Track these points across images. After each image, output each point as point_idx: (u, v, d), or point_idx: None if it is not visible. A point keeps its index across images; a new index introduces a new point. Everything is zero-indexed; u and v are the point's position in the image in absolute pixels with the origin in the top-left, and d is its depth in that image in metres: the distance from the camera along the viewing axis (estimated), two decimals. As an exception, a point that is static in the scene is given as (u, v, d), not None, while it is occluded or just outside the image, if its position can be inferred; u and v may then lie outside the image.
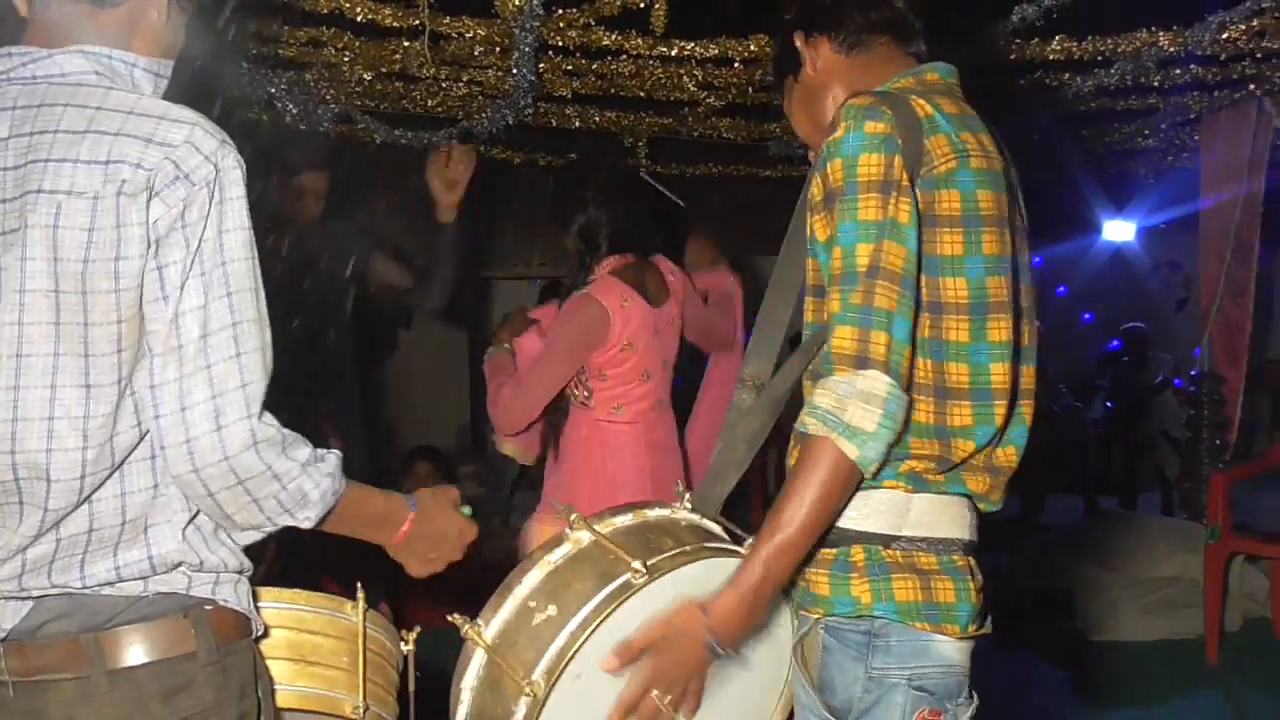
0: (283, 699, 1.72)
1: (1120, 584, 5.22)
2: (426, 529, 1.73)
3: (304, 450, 1.50)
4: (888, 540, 1.66)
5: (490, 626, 1.65)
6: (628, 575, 1.59)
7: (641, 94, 4.78)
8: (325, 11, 3.62)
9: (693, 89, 4.71)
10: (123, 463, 1.44)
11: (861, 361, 1.53)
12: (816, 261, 1.68)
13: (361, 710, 1.79)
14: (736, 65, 4.39)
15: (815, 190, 1.65)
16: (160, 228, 1.38)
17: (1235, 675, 4.75)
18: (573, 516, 1.70)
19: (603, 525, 1.71)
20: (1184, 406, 6.09)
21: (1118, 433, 8.53)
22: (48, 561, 1.43)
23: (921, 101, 1.65)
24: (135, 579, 1.46)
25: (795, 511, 1.53)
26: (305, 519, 1.52)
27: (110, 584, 1.44)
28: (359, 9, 3.56)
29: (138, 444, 1.45)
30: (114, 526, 1.44)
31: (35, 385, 1.39)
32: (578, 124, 5.33)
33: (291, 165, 3.49)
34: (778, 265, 1.84)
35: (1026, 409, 1.73)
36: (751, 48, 4.14)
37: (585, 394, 3.10)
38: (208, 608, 1.50)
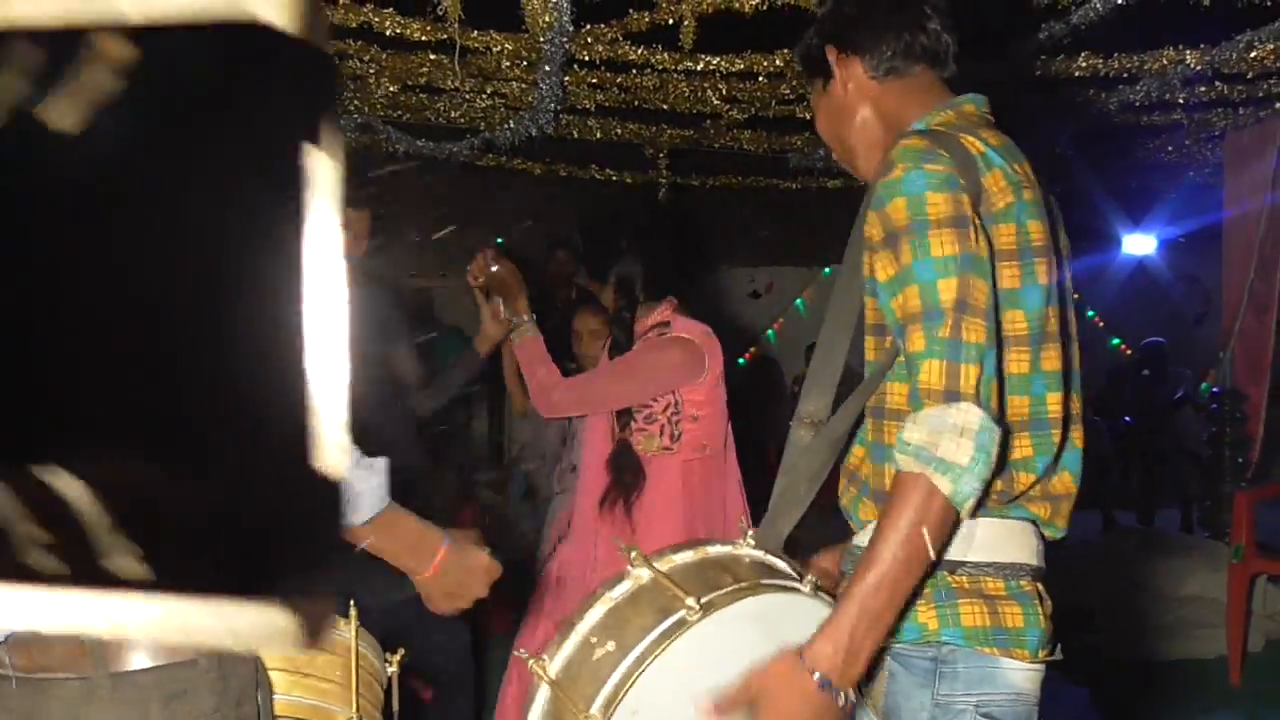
0: (278, 708, 1.77)
1: (1141, 602, 5.20)
2: (459, 562, 1.75)
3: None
4: (953, 566, 1.64)
5: (554, 661, 1.68)
6: (683, 612, 1.60)
7: (665, 106, 4.79)
8: (354, 26, 3.62)
9: (716, 102, 4.72)
10: None
11: (952, 396, 1.49)
12: (875, 301, 1.67)
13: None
14: (761, 79, 4.40)
15: (873, 230, 1.61)
16: None
17: (1258, 698, 4.71)
18: (633, 554, 1.71)
19: (663, 563, 1.72)
20: (1205, 423, 6.07)
21: (1136, 448, 8.50)
22: None
23: (971, 139, 1.63)
24: None
25: (887, 549, 1.49)
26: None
27: None
28: (388, 23, 3.56)
29: None
30: None
31: None
32: (599, 136, 5.34)
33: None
34: (831, 303, 1.82)
35: (1077, 435, 1.72)
36: (777, 62, 4.14)
37: (670, 439, 3.04)
38: None
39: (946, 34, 1.78)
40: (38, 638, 1.46)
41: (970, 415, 1.48)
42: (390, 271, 3.92)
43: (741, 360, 9.10)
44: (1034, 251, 1.61)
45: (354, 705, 1.88)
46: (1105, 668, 4.95)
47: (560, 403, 3.08)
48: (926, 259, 1.54)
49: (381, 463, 1.60)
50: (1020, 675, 1.64)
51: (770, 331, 10.15)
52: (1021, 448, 1.63)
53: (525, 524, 4.75)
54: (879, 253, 1.60)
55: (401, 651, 1.98)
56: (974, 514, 1.61)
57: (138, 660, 1.47)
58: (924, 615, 1.64)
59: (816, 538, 1.96)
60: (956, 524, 1.55)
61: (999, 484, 1.62)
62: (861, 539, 1.77)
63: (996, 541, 1.66)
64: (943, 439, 1.47)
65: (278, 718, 1.75)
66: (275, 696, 1.75)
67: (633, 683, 1.57)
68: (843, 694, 1.50)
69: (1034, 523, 1.70)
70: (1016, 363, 1.62)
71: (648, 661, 1.58)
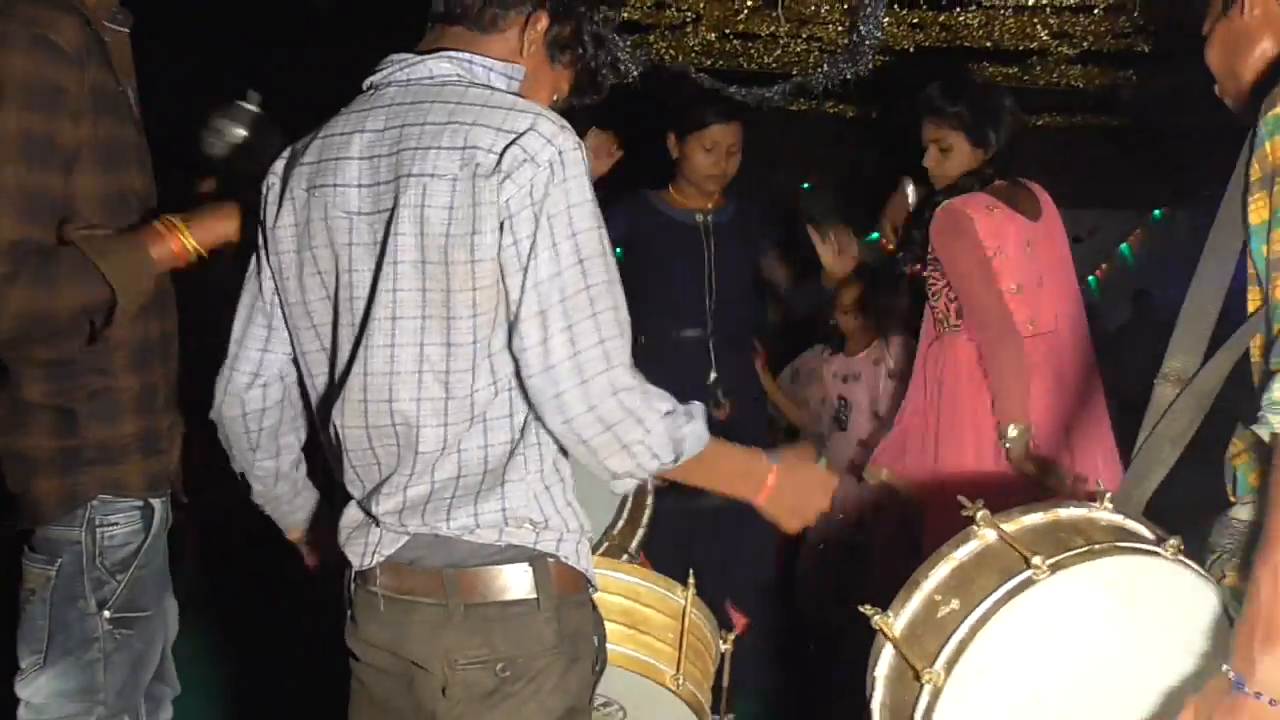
0: (612, 658, 1.82)
1: None
2: (792, 480, 1.78)
3: (666, 402, 1.59)
4: None
5: (899, 619, 1.67)
6: (1030, 572, 1.56)
7: (989, 44, 4.59)
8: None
9: (1045, 38, 4.48)
10: (484, 418, 1.60)
11: None
12: (1250, 247, 1.54)
13: (680, 680, 1.92)
14: (1096, 13, 4.13)
15: (1256, 167, 1.49)
16: (512, 206, 1.52)
17: None
18: (979, 515, 1.67)
19: (1010, 524, 1.67)
20: None
21: None
22: (423, 502, 1.60)
23: None
24: (490, 527, 1.60)
25: None
26: (674, 459, 1.60)
27: (470, 530, 1.60)
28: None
29: (494, 400, 1.59)
30: (477, 475, 1.60)
31: (407, 344, 1.57)
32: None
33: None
34: (1205, 253, 1.68)
35: None
36: (1119, -8, 3.87)
37: (955, 313, 3.04)
38: (550, 561, 1.63)
39: None
40: (405, 566, 1.63)
41: None
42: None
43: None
44: None
45: (678, 664, 1.93)
46: None
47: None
48: None
49: (698, 406, 1.64)
50: None
51: (1092, 278, 9.62)
52: None
53: None
54: (1256, 194, 1.49)
55: (735, 632, 2.05)
56: None
57: (485, 594, 1.61)
58: None
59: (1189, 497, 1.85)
60: None
61: None
62: (1240, 511, 1.64)
63: None
64: None
65: (610, 665, 1.82)
66: (611, 647, 1.81)
67: (976, 640, 1.54)
68: None
69: None
70: None
71: (992, 619, 1.54)
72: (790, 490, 1.77)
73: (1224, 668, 1.37)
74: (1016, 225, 3.05)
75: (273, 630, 3.82)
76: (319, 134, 1.68)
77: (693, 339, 3.51)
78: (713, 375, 3.50)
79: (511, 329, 1.55)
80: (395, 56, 1.67)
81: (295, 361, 1.76)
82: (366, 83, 1.69)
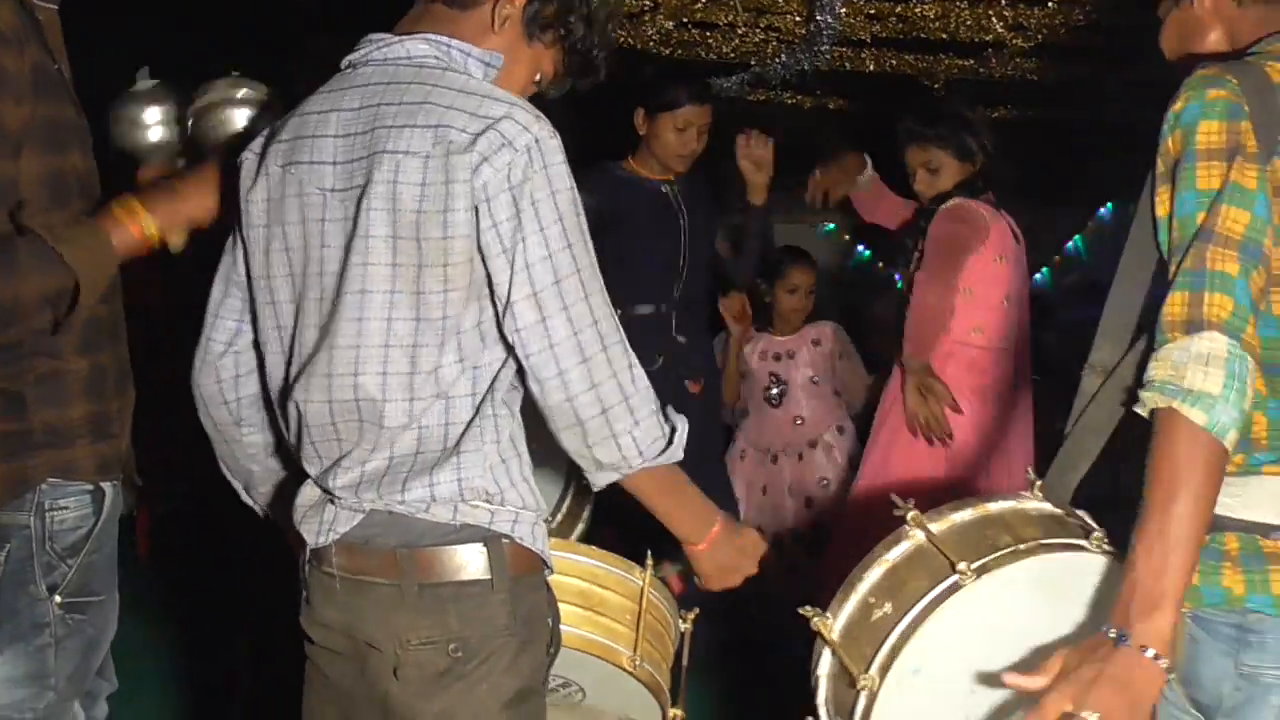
0: (567, 638, 1.83)
1: None
2: (731, 538, 1.80)
3: (654, 402, 1.63)
4: (1267, 530, 1.53)
5: (837, 621, 1.70)
6: (956, 576, 1.60)
7: (944, 36, 4.63)
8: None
9: (1000, 30, 4.53)
10: (447, 395, 1.61)
11: (1194, 325, 1.42)
12: (1158, 239, 1.58)
13: (637, 661, 1.92)
14: (1051, 4, 4.19)
15: (1159, 164, 1.56)
16: (489, 189, 1.54)
17: None
18: (910, 515, 1.70)
19: (939, 524, 1.70)
20: None
21: None
22: (380, 476, 1.62)
23: (1277, 65, 1.52)
24: (446, 502, 1.61)
25: (1164, 501, 1.41)
26: (653, 463, 1.63)
27: (425, 506, 1.61)
28: (666, -41, 3.56)
29: (459, 378, 1.61)
30: (436, 451, 1.61)
31: (375, 317, 1.59)
32: (873, 67, 5.22)
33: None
34: (1127, 247, 1.73)
35: None
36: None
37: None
38: (505, 541, 1.63)
39: None
40: (359, 545, 1.64)
41: (1216, 342, 1.40)
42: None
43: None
44: None
45: (635, 646, 1.93)
46: None
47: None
48: (1191, 192, 1.49)
49: (683, 420, 1.67)
50: None
51: (1046, 270, 9.73)
52: None
53: None
54: (1160, 188, 1.55)
55: (697, 610, 2.05)
56: None
57: (439, 574, 1.62)
58: (1229, 579, 1.54)
59: (1107, 488, 1.86)
60: (1225, 456, 1.43)
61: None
62: None
63: None
64: (1188, 369, 1.40)
65: (565, 647, 1.83)
66: (566, 628, 1.82)
67: (909, 644, 1.58)
68: (1170, 665, 1.40)
69: None
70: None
71: (922, 624, 1.59)
72: (728, 547, 1.80)
73: (1104, 628, 1.42)
74: (1010, 240, 3.19)
75: (222, 622, 3.78)
76: (296, 112, 1.70)
77: (653, 314, 3.52)
78: (681, 340, 3.53)
79: (503, 311, 1.57)
80: (373, 36, 1.68)
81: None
82: (344, 62, 1.70)
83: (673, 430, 1.65)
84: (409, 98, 1.59)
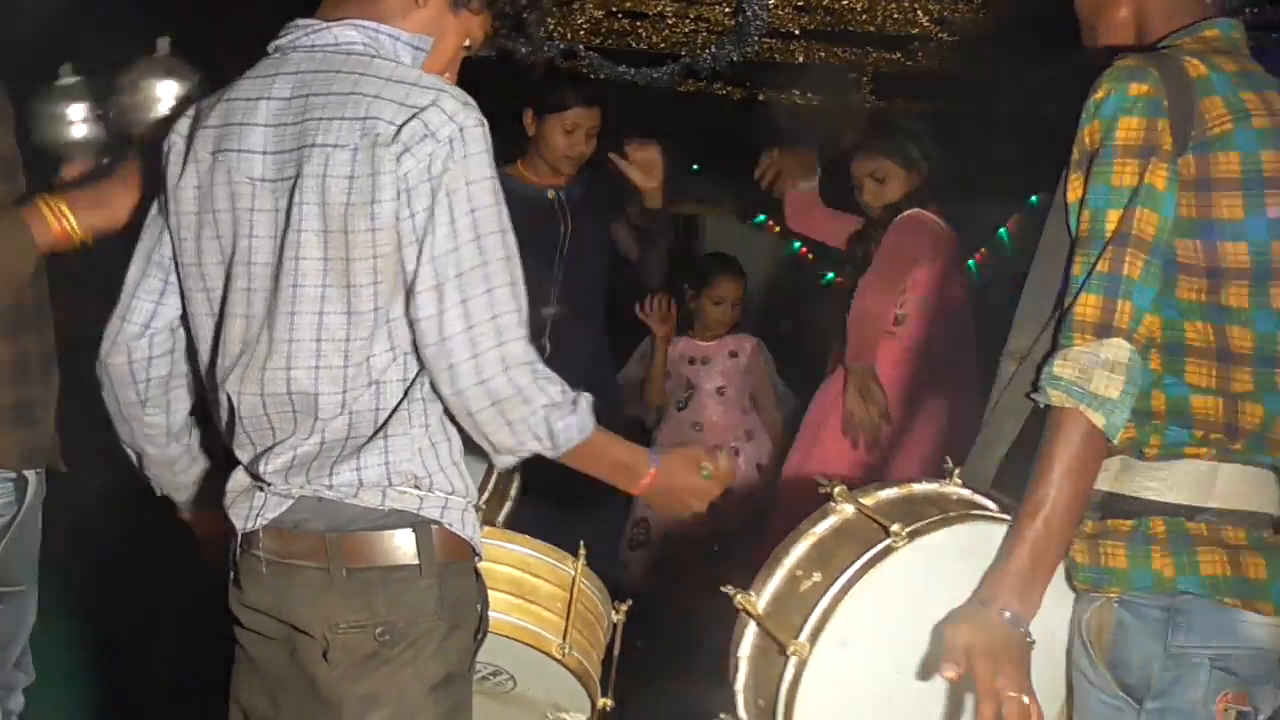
0: (497, 626, 1.84)
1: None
2: (666, 484, 1.82)
3: (556, 387, 1.63)
4: (1192, 512, 1.59)
5: (761, 597, 1.70)
6: (889, 540, 1.62)
7: (871, 29, 4.67)
8: (562, -50, 3.62)
9: (926, 23, 4.58)
10: (379, 381, 1.62)
11: (1104, 330, 1.51)
12: (1069, 225, 1.63)
13: (566, 650, 1.93)
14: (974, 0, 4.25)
15: (1074, 151, 1.60)
16: (411, 179, 1.55)
17: None
18: (837, 490, 1.72)
19: (868, 499, 1.73)
20: None
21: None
22: (310, 460, 1.62)
23: (1195, 61, 1.56)
24: (374, 486, 1.62)
25: (1050, 488, 1.52)
26: (553, 448, 1.64)
27: (354, 490, 1.62)
28: (596, -53, 3.55)
29: (391, 365, 1.62)
30: (366, 435, 1.62)
31: (307, 311, 1.59)
32: (802, 59, 5.25)
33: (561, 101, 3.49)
34: (1043, 236, 1.76)
35: None
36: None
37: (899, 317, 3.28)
38: (433, 527, 1.64)
39: None
40: (289, 530, 1.64)
41: (1121, 350, 1.50)
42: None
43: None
44: (1265, 181, 1.54)
45: (565, 634, 1.94)
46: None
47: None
48: (1105, 186, 1.54)
49: (584, 398, 1.67)
50: (1262, 630, 1.58)
51: (971, 262, 9.83)
52: (1242, 381, 1.57)
53: None
54: (1074, 174, 1.60)
55: (630, 601, 2.08)
56: (1215, 460, 1.58)
57: (367, 559, 1.63)
58: (1159, 562, 1.58)
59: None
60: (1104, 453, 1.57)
61: (1223, 415, 1.58)
62: None
63: (1238, 489, 1.60)
64: (1095, 374, 1.50)
65: (495, 635, 1.84)
66: (496, 615, 1.84)
67: (839, 610, 1.60)
68: (1027, 629, 1.51)
69: (1276, 471, 1.62)
70: (1235, 295, 1.56)
71: (853, 588, 1.60)
72: (669, 484, 1.82)
73: (978, 596, 1.55)
74: (955, 247, 3.27)
75: (142, 614, 3.72)
76: (224, 96, 1.68)
77: (549, 319, 3.43)
78: (547, 345, 3.37)
79: (409, 300, 1.57)
80: (301, 22, 1.67)
81: (184, 321, 1.75)
82: (271, 46, 1.69)
83: (569, 416, 1.63)
84: (337, 88, 1.59)
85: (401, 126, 1.54)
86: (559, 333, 3.45)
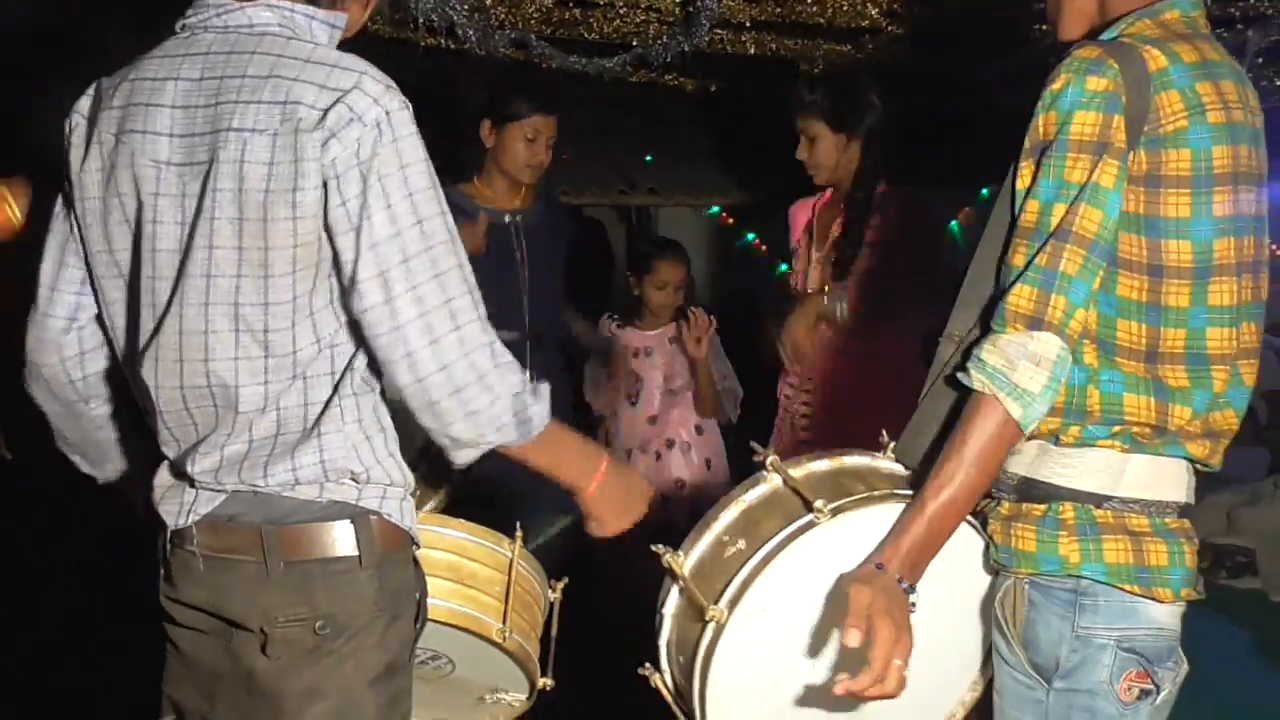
0: (436, 612, 1.85)
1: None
2: (619, 479, 1.81)
3: (516, 376, 1.60)
4: (1100, 500, 1.63)
5: (689, 558, 1.74)
6: (812, 515, 1.66)
7: (822, 21, 4.68)
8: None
9: (875, 15, 4.59)
10: (304, 375, 1.58)
11: (1036, 323, 1.53)
12: (1014, 212, 1.65)
13: (506, 633, 1.94)
14: (925, -8, 4.26)
15: (1027, 139, 1.61)
16: (339, 166, 1.50)
17: None
18: (770, 459, 1.75)
19: (797, 470, 1.76)
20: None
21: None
22: (240, 460, 1.59)
23: (1155, 52, 1.57)
24: (311, 483, 1.60)
25: (958, 467, 1.56)
26: (514, 437, 1.62)
27: (289, 486, 1.59)
28: (543, -65, 3.53)
29: (316, 358, 1.58)
30: (296, 432, 1.59)
31: (221, 302, 1.54)
32: (753, 51, 5.25)
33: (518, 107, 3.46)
34: (991, 218, 1.78)
35: (1247, 369, 1.67)
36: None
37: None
38: (372, 518, 1.63)
39: None
40: (223, 524, 1.61)
41: (1050, 345, 1.53)
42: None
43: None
44: (1214, 179, 1.56)
45: (504, 618, 1.95)
46: (1268, 611, 4.75)
47: None
48: (1055, 180, 1.55)
49: (545, 386, 1.66)
50: (1163, 611, 1.63)
51: (954, 224, 9.87)
52: (1176, 379, 1.60)
53: None
54: (1025, 161, 1.61)
55: (566, 580, 2.09)
56: (1126, 451, 1.63)
57: (305, 551, 1.61)
58: (1065, 547, 1.63)
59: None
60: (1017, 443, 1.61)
61: (1153, 414, 1.60)
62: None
63: (1147, 480, 1.64)
64: (1019, 365, 1.52)
65: (434, 621, 1.84)
66: (434, 601, 1.83)
67: (759, 579, 1.64)
68: (913, 594, 1.57)
69: (1189, 461, 1.66)
70: (1175, 295, 1.58)
71: (774, 559, 1.64)
72: (617, 486, 1.81)
73: (872, 559, 1.60)
74: None
75: (70, 615, 3.66)
76: (128, 76, 1.62)
77: (509, 343, 3.41)
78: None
79: (348, 290, 1.53)
80: (212, 1, 1.61)
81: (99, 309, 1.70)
82: (179, 24, 1.63)
83: (533, 405, 1.63)
84: (253, 70, 1.54)
85: (326, 112, 1.50)
86: (532, 361, 3.42)
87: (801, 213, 3.68)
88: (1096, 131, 1.54)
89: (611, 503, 1.80)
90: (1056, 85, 1.57)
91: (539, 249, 3.55)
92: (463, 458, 1.63)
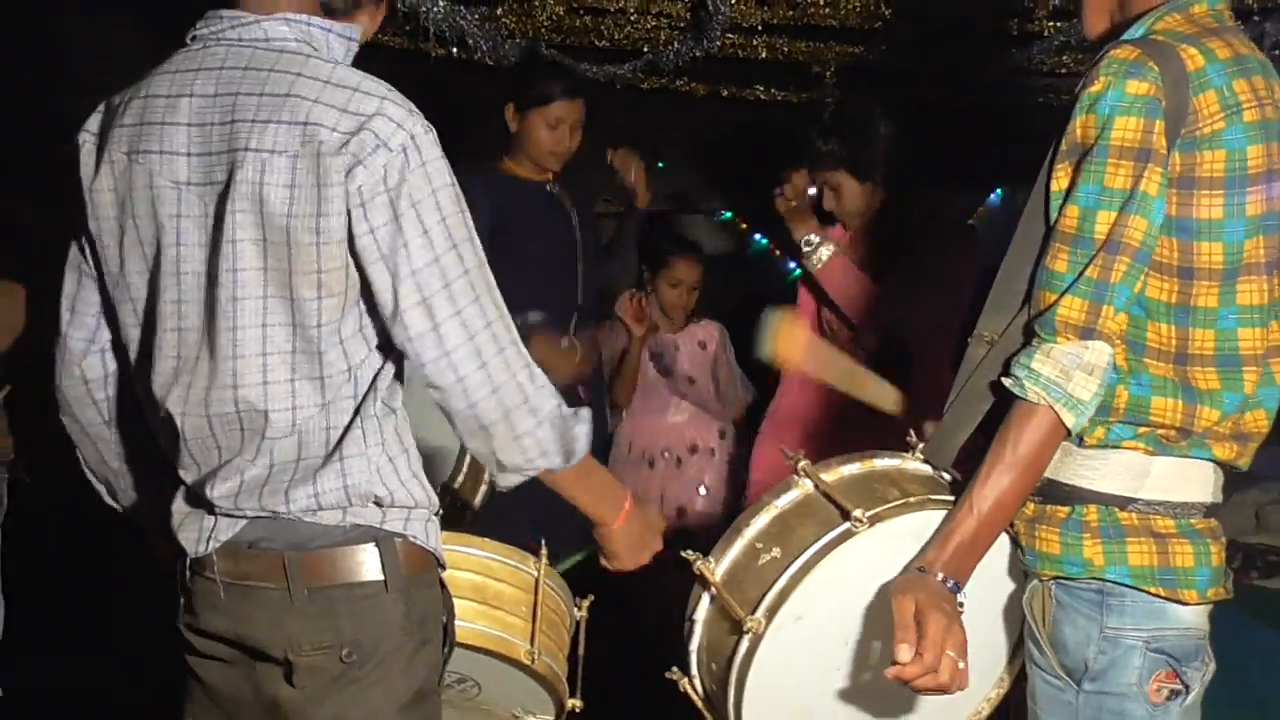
0: (463, 635, 1.82)
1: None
2: (640, 516, 1.81)
3: (555, 399, 1.60)
4: (1124, 502, 1.62)
5: (720, 565, 1.72)
6: (849, 524, 1.65)
7: (834, 23, 4.65)
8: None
9: (889, 16, 4.56)
10: (330, 400, 1.55)
11: (1088, 333, 1.53)
12: (1048, 213, 1.63)
13: (535, 655, 1.92)
14: (937, -8, 4.24)
15: (1065, 140, 1.59)
16: (365, 193, 1.47)
17: None
18: (801, 464, 1.74)
19: (829, 474, 1.74)
20: None
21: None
22: (260, 485, 1.55)
23: (1193, 51, 1.54)
24: (334, 508, 1.57)
25: (1009, 473, 1.56)
26: (559, 462, 1.61)
27: (312, 511, 1.56)
28: (556, -56, 3.51)
29: (345, 384, 1.55)
30: (319, 457, 1.56)
31: (250, 325, 1.51)
32: (764, 55, 5.23)
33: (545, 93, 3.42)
34: (1022, 222, 1.76)
35: (1279, 369, 1.63)
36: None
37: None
38: (398, 541, 1.60)
39: None
40: (244, 550, 1.58)
41: (1102, 354, 1.53)
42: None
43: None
44: (1249, 180, 1.54)
45: (532, 639, 1.92)
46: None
47: None
48: (1098, 185, 1.53)
49: (586, 411, 1.65)
50: (1190, 611, 1.62)
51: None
52: (1206, 380, 1.59)
53: None
54: (1062, 162, 1.59)
55: (592, 598, 2.07)
56: (1151, 453, 1.62)
57: (329, 576, 1.58)
58: (1090, 550, 1.62)
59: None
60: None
61: (1180, 417, 1.59)
62: None
63: (1172, 481, 1.63)
64: (1074, 375, 1.52)
65: (462, 644, 1.81)
66: (461, 624, 1.80)
67: (797, 590, 1.63)
68: (961, 594, 1.57)
69: (1215, 463, 1.65)
70: (1205, 296, 1.57)
71: (812, 569, 1.64)
72: (639, 523, 1.81)
73: (912, 565, 1.61)
74: None
75: (97, 632, 3.65)
76: (139, 93, 1.59)
77: (544, 321, 3.33)
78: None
79: (391, 320, 1.51)
80: (225, 13, 1.58)
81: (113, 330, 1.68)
82: (190, 35, 1.60)
83: (577, 428, 1.62)
84: (271, 88, 1.51)
85: (349, 136, 1.47)
86: (579, 334, 3.38)
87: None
88: (1138, 138, 1.52)
89: (630, 539, 1.81)
90: (1096, 87, 1.55)
91: (585, 220, 3.52)
92: (507, 481, 1.64)
